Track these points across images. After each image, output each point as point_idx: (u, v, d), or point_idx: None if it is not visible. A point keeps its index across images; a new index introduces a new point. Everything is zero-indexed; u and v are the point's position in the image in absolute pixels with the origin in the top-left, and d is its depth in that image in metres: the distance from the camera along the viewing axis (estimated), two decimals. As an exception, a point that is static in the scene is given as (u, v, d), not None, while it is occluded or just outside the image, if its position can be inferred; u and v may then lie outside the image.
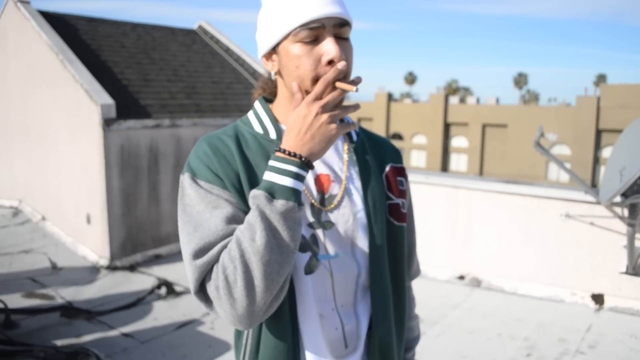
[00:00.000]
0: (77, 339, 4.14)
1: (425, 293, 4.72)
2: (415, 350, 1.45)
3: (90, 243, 6.11)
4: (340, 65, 1.04)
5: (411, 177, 5.51)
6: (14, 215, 7.20)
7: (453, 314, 4.59)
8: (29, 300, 4.84)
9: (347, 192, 1.20)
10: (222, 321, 1.04)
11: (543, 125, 5.21)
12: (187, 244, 1.06)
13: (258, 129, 1.20)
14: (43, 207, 7.03)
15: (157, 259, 6.23)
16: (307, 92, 1.09)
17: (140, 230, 6.19)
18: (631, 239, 4.42)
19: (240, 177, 1.10)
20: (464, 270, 5.36)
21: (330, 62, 1.06)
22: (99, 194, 5.84)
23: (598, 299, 4.69)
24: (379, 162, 1.29)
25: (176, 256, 6.29)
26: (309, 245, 1.14)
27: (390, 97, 41.99)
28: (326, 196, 1.17)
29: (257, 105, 1.25)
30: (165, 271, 5.78)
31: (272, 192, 1.00)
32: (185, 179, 1.12)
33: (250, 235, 0.98)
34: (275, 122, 1.20)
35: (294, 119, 1.05)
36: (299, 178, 1.03)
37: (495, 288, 5.13)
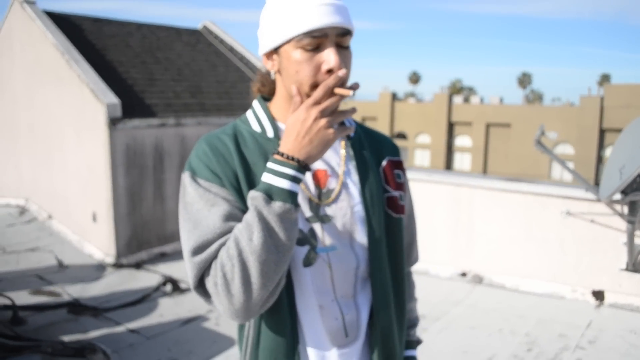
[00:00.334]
0: (84, 335, 4.20)
1: (428, 290, 4.77)
2: (416, 329, 1.48)
3: (96, 241, 6.18)
4: (341, 73, 1.07)
5: (413, 174, 5.55)
6: (21, 214, 7.28)
7: (455, 311, 4.63)
8: (36, 297, 4.91)
9: (344, 186, 1.23)
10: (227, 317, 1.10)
11: (546, 124, 5.25)
12: (187, 241, 1.10)
13: (256, 127, 1.23)
14: (49, 205, 7.10)
15: (163, 257, 6.29)
16: (307, 96, 1.11)
17: (146, 229, 6.25)
18: (631, 236, 4.46)
19: (238, 176, 1.14)
20: (466, 267, 5.40)
21: (330, 71, 1.09)
22: (105, 193, 5.91)
23: (598, 295, 4.73)
24: (377, 156, 1.32)
25: (181, 254, 6.28)
26: (307, 238, 1.17)
27: (394, 97, 41.97)
28: (323, 191, 1.20)
29: (256, 104, 1.28)
30: (170, 268, 5.84)
31: (270, 194, 1.04)
32: (185, 177, 1.16)
33: (248, 235, 1.02)
34: (272, 120, 1.23)
35: (292, 122, 1.07)
36: (296, 181, 1.06)
37: (497, 285, 5.18)
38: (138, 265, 5.93)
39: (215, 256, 1.06)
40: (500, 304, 4.78)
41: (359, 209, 1.23)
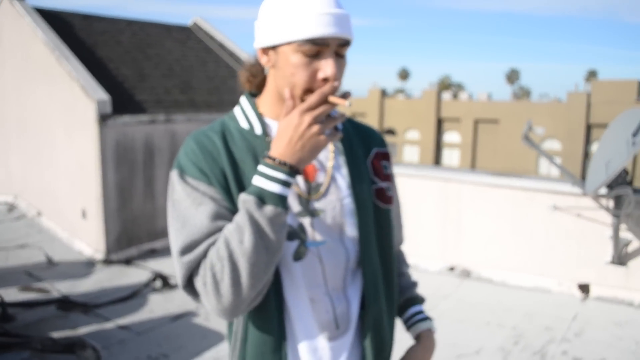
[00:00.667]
0: (74, 331, 4.20)
1: (416, 284, 4.81)
2: (417, 289, 1.51)
3: (85, 237, 6.17)
4: (336, 83, 1.08)
5: (403, 170, 5.59)
6: (10, 211, 7.24)
7: (443, 305, 4.69)
8: (25, 294, 4.90)
9: (333, 179, 1.25)
10: (215, 313, 1.14)
11: (534, 120, 5.31)
12: (175, 240, 1.12)
13: (244, 124, 1.23)
14: (39, 202, 7.07)
15: (153, 253, 6.29)
16: (299, 99, 1.12)
17: (136, 225, 6.25)
18: (616, 230, 4.53)
19: (226, 174, 1.14)
20: (454, 261, 5.46)
21: (325, 79, 1.10)
22: (95, 189, 5.89)
23: (584, 288, 4.81)
24: (364, 149, 1.34)
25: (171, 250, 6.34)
26: (297, 233, 1.18)
27: (383, 93, 42.06)
28: (312, 185, 1.22)
29: (243, 100, 1.28)
30: (160, 264, 5.84)
31: (262, 197, 1.05)
32: (174, 175, 1.17)
33: (239, 238, 1.04)
34: (260, 117, 1.23)
35: (285, 126, 1.08)
36: (287, 185, 1.07)
37: (485, 279, 5.24)
38: (128, 262, 5.93)
39: (203, 256, 1.08)
40: (488, 297, 4.85)
41: (349, 201, 1.25)
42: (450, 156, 39.37)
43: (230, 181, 1.14)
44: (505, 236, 5.19)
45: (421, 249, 5.52)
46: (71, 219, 6.38)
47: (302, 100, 1.11)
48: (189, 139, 1.20)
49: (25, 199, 7.33)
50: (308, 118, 1.06)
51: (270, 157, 1.08)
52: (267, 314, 1.17)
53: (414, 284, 1.50)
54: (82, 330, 4.23)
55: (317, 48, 1.09)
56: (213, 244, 1.08)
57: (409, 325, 1.45)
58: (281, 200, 1.06)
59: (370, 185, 1.30)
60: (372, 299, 1.26)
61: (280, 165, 1.07)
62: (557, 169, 4.78)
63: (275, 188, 1.06)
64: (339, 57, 1.13)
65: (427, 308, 4.51)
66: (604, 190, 4.51)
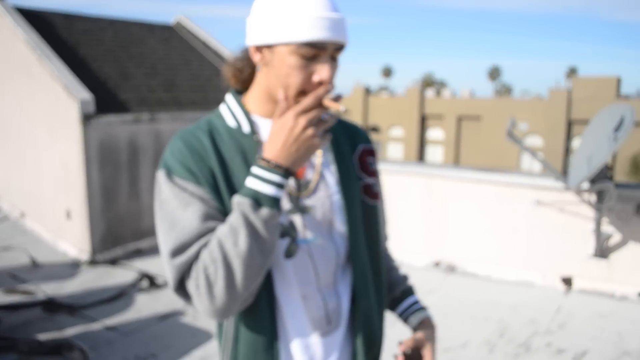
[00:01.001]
0: (60, 333, 4.17)
1: (403, 280, 4.85)
2: (409, 282, 1.52)
3: (70, 238, 6.12)
4: (330, 86, 1.09)
5: (387, 166, 5.63)
6: (-8, 213, 7.15)
7: (429, 299, 4.73)
8: (10, 296, 4.85)
9: (321, 176, 1.25)
10: (203, 313, 1.14)
11: (516, 117, 5.38)
12: (164, 242, 1.11)
13: (231, 122, 1.22)
14: (22, 203, 6.99)
15: (138, 253, 6.26)
16: (292, 101, 1.12)
17: (121, 225, 6.21)
18: (598, 224, 4.61)
19: (215, 173, 1.14)
20: (439, 256, 5.51)
21: (320, 82, 1.10)
22: (79, 190, 5.85)
23: (567, 281, 4.88)
24: (351, 145, 1.35)
25: (157, 249, 6.28)
26: (287, 231, 1.18)
27: (367, 91, 42.21)
28: (302, 182, 1.22)
29: (229, 98, 1.26)
30: (146, 264, 5.81)
31: (257, 200, 1.05)
32: (160, 175, 1.15)
33: (233, 240, 1.04)
34: (247, 115, 1.22)
35: (279, 128, 1.07)
36: (281, 187, 1.08)
37: (470, 273, 5.30)
38: (114, 262, 5.89)
39: (195, 258, 1.08)
40: (473, 291, 4.90)
41: (338, 198, 1.26)
42: (434, 153, 39.64)
43: (219, 181, 1.13)
44: (490, 231, 5.25)
45: (406, 244, 5.57)
46: (55, 219, 6.32)
47: (295, 102, 1.11)
48: (175, 138, 1.19)
49: (8, 200, 7.24)
50: (303, 121, 1.06)
51: (264, 159, 1.08)
52: (259, 313, 1.17)
53: (405, 277, 1.52)
54: (69, 332, 4.20)
55: (315, 51, 1.09)
56: (204, 245, 1.07)
57: (408, 314, 1.45)
58: (276, 203, 1.07)
59: (357, 181, 1.32)
60: (362, 293, 1.27)
61: (275, 168, 1.07)
62: (540, 165, 4.84)
63: (270, 190, 1.07)
64: (333, 60, 1.13)
65: (414, 303, 4.57)
66: (586, 185, 4.59)
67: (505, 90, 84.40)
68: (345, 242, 1.26)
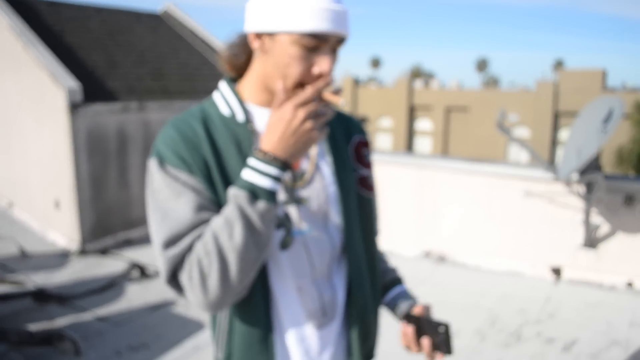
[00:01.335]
0: (51, 323, 4.14)
1: (394, 270, 4.87)
2: (398, 273, 1.49)
3: (59, 228, 6.07)
4: (329, 79, 1.07)
5: (377, 157, 5.63)
6: (-22, 202, 7.07)
7: (420, 289, 4.74)
8: (-2, 286, 4.81)
9: (317, 167, 1.23)
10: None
11: (504, 108, 5.40)
12: (157, 233, 1.08)
13: (225, 110, 1.19)
14: (10, 193, 6.92)
15: (129, 242, 6.22)
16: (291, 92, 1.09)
17: (111, 214, 6.17)
18: (587, 214, 4.66)
19: (208, 162, 1.11)
20: (429, 247, 5.54)
21: (319, 75, 1.08)
22: (67, 179, 5.79)
23: (556, 271, 4.94)
24: (346, 136, 1.34)
25: (147, 239, 6.26)
26: (283, 222, 1.16)
27: (356, 82, 42.20)
28: (297, 173, 1.20)
29: (224, 86, 1.24)
30: (137, 254, 5.79)
31: (254, 192, 1.03)
32: (152, 164, 1.12)
33: (229, 233, 1.02)
34: (242, 103, 1.19)
35: (277, 120, 1.05)
36: (278, 180, 1.06)
37: (460, 263, 5.33)
38: (104, 252, 5.86)
39: (188, 250, 1.06)
40: (464, 281, 4.94)
41: (333, 189, 1.24)
42: (423, 143, 39.77)
43: (212, 170, 1.11)
44: (480, 221, 5.29)
45: (396, 235, 5.59)
46: (44, 209, 6.26)
47: (293, 93, 1.09)
48: (167, 126, 1.16)
49: (-6, 190, 7.16)
50: (302, 113, 1.03)
51: (261, 151, 1.06)
52: (254, 305, 1.16)
53: (394, 269, 1.51)
54: (59, 322, 4.17)
55: (317, 42, 1.06)
56: (198, 237, 1.05)
57: (396, 302, 1.41)
58: (272, 196, 1.05)
59: (353, 172, 1.31)
60: (357, 285, 1.27)
61: (273, 161, 1.05)
62: (527, 156, 4.88)
63: (267, 183, 1.04)
64: (333, 52, 1.11)
65: (405, 293, 4.59)
66: (575, 177, 4.63)
67: (492, 82, 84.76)
68: (341, 233, 1.25)
